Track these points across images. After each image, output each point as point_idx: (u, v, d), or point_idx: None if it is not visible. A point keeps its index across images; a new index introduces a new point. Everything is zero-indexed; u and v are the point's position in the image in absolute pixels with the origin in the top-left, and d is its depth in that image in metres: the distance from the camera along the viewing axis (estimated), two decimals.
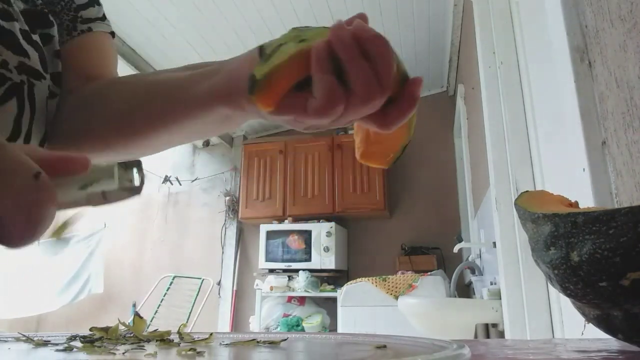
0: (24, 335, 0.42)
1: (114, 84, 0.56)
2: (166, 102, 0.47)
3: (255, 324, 3.67)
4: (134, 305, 4.17)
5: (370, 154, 0.41)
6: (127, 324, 0.42)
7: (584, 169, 0.80)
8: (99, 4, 0.64)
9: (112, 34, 0.65)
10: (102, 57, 0.62)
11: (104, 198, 0.29)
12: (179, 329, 0.44)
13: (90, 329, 0.42)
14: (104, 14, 0.64)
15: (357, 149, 0.42)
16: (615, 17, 0.72)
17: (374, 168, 3.82)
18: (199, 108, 0.44)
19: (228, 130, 0.51)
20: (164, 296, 4.04)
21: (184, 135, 0.51)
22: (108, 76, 0.60)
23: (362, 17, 0.37)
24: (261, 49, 0.37)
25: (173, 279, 4.16)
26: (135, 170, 0.29)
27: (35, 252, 4.49)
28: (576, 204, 0.45)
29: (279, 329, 3.46)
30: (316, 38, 0.34)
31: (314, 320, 3.47)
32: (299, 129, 0.39)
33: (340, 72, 0.34)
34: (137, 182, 0.29)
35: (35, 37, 0.52)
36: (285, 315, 3.56)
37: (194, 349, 0.34)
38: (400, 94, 0.36)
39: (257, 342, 0.40)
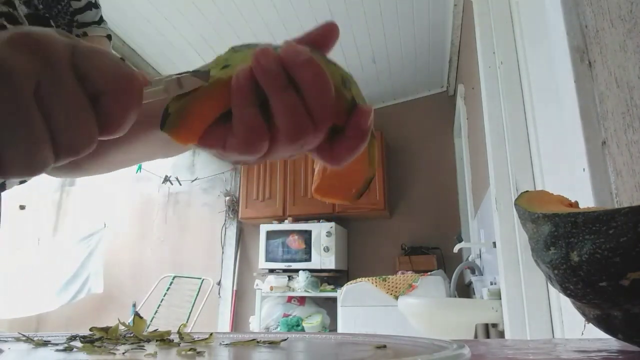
0: (24, 335, 0.42)
1: None
2: None
3: (255, 324, 3.67)
4: (134, 305, 4.17)
5: (327, 188, 0.36)
6: (127, 324, 0.42)
7: (584, 169, 0.80)
8: (97, 7, 0.64)
9: (109, 37, 0.65)
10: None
11: (180, 85, 0.29)
12: (179, 329, 0.44)
13: (90, 329, 0.42)
14: (101, 17, 0.64)
15: (314, 181, 0.37)
16: (615, 17, 0.72)
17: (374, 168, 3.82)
18: (140, 130, 0.41)
19: (178, 153, 0.50)
20: (164, 296, 4.04)
21: (139, 155, 0.51)
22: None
23: (331, 27, 0.32)
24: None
25: (173, 279, 4.16)
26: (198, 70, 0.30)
27: (35, 252, 4.49)
28: (576, 204, 0.45)
29: (279, 329, 3.46)
30: (243, 63, 0.30)
31: (314, 320, 3.47)
32: (230, 163, 0.36)
33: (266, 104, 0.30)
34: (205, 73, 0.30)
35: None
36: (285, 315, 3.56)
37: (194, 349, 0.34)
38: (347, 124, 0.31)
39: (257, 342, 0.40)
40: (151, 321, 3.79)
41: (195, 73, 0.30)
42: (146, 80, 0.29)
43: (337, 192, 0.36)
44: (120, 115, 0.27)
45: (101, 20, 0.64)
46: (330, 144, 0.32)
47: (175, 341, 0.40)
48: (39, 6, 0.56)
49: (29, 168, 0.25)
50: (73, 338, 0.41)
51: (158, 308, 3.96)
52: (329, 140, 0.32)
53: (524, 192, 0.47)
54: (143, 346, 0.37)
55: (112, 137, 0.28)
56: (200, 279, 4.08)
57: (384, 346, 0.36)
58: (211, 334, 0.40)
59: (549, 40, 1.05)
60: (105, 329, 0.41)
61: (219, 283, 4.25)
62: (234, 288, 4.25)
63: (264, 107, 0.30)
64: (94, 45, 0.29)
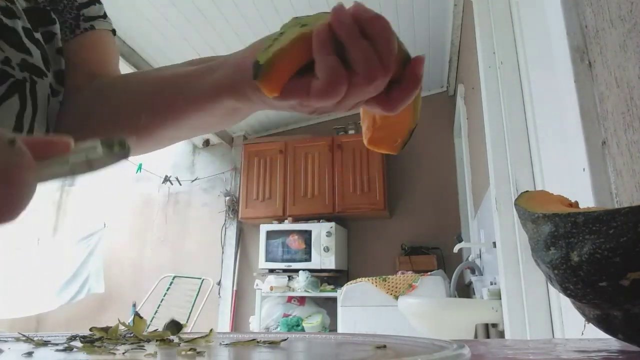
0: (24, 335, 0.42)
1: (118, 81, 0.57)
2: (172, 97, 0.47)
3: (255, 324, 3.67)
4: (134, 305, 4.17)
5: (378, 139, 0.41)
6: (127, 324, 0.42)
7: (584, 169, 0.80)
8: (100, 2, 0.64)
9: (114, 31, 0.66)
10: (105, 54, 0.62)
11: (89, 166, 0.28)
12: None
13: (90, 329, 0.42)
14: (105, 12, 0.64)
15: (364, 135, 0.42)
16: (615, 17, 0.72)
17: (374, 168, 3.83)
18: (205, 101, 0.44)
19: (234, 122, 0.51)
20: (164, 296, 4.04)
21: (191, 129, 0.52)
22: (111, 73, 0.60)
23: (357, 6, 0.37)
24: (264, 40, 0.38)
25: (173, 278, 4.16)
26: (118, 140, 0.28)
27: (35, 252, 4.49)
28: (576, 204, 0.45)
29: (279, 329, 3.46)
30: (317, 22, 0.35)
31: (314, 320, 3.47)
32: (306, 113, 0.39)
33: (343, 53, 0.34)
34: (123, 148, 0.28)
35: (38, 35, 0.53)
36: (285, 315, 3.56)
37: (194, 349, 0.34)
38: (402, 74, 0.36)
39: (257, 342, 0.40)
40: (151, 321, 3.79)
41: (104, 143, 0.28)
42: (32, 164, 0.27)
43: (385, 143, 0.41)
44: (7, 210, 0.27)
45: (105, 16, 0.64)
46: (386, 93, 0.36)
47: (175, 341, 0.40)
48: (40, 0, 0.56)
49: None
50: (73, 338, 0.41)
51: (158, 308, 3.96)
52: (386, 91, 0.36)
53: (524, 192, 0.47)
54: (143, 346, 0.37)
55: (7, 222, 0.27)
56: (200, 279, 4.08)
57: (384, 346, 0.36)
58: (211, 330, 0.40)
59: (549, 40, 1.05)
60: (105, 329, 0.41)
61: (219, 283, 4.25)
62: (234, 288, 4.25)
63: (341, 58, 0.34)
64: None
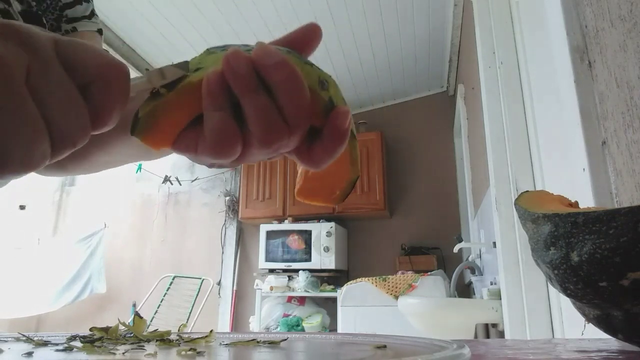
0: (24, 335, 0.42)
1: None
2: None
3: (255, 324, 3.67)
4: (134, 305, 4.17)
5: (309, 190, 0.35)
6: (127, 324, 0.42)
7: (584, 169, 0.80)
8: (87, 1, 0.62)
9: (100, 31, 0.64)
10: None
11: (162, 75, 0.28)
12: (179, 329, 0.44)
13: (91, 329, 0.42)
14: (92, 11, 0.62)
15: (296, 184, 0.36)
16: (615, 17, 0.72)
17: (374, 168, 3.84)
18: (120, 131, 0.39)
19: (159, 156, 0.49)
20: (164, 296, 4.04)
21: (121, 157, 0.51)
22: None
23: (313, 29, 0.32)
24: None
25: (173, 278, 4.16)
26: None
27: (35, 252, 4.49)
28: (576, 204, 0.45)
29: (279, 329, 3.46)
30: (215, 65, 0.29)
31: (314, 320, 3.47)
32: (206, 166, 0.34)
33: (238, 107, 0.29)
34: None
35: None
36: (285, 315, 3.56)
37: (194, 349, 0.34)
38: (325, 127, 0.30)
39: (257, 342, 0.40)
40: (151, 321, 3.79)
41: (176, 64, 0.29)
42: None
43: (320, 194, 0.35)
44: (110, 105, 0.27)
45: (92, 14, 0.62)
46: (308, 147, 0.31)
47: (175, 341, 0.40)
48: (32, 2, 0.56)
49: (27, 162, 0.24)
50: (73, 338, 0.41)
51: (158, 308, 3.96)
52: (308, 143, 0.30)
53: (524, 192, 0.47)
54: (143, 346, 0.37)
55: (102, 130, 0.27)
56: (200, 278, 4.08)
57: (384, 346, 0.36)
58: (211, 330, 0.40)
59: (549, 40, 1.05)
60: (106, 329, 0.41)
61: (219, 283, 4.25)
62: (234, 288, 4.25)
63: (237, 111, 0.29)
64: (75, 39, 0.28)
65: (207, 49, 0.31)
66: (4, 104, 0.23)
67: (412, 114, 4.20)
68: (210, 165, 0.32)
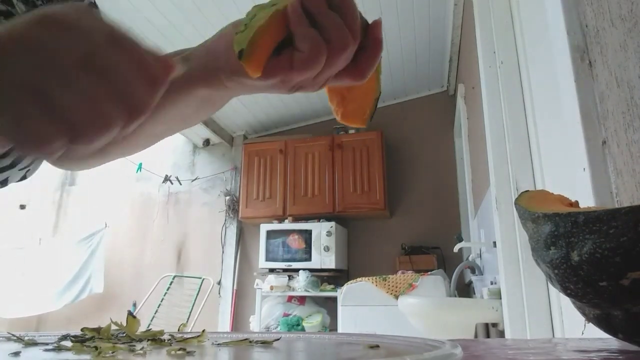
0: (14, 335, 0.42)
1: None
2: None
3: (256, 324, 3.67)
4: (134, 305, 4.18)
5: (350, 112, 0.43)
6: (120, 323, 0.42)
7: (584, 169, 0.80)
8: (95, 6, 0.63)
9: None
10: None
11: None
12: (179, 328, 0.44)
13: (82, 329, 0.42)
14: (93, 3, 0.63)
15: (336, 112, 0.44)
16: (615, 17, 0.72)
17: (374, 168, 3.83)
18: (179, 92, 0.45)
19: (210, 113, 0.52)
20: (164, 296, 4.04)
21: (168, 124, 0.52)
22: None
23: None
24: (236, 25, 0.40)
25: (173, 278, 4.16)
26: None
27: (35, 252, 4.49)
28: (576, 204, 0.45)
29: (279, 328, 3.46)
30: (285, 2, 0.36)
31: (314, 320, 3.47)
32: (284, 92, 0.40)
33: (314, 26, 0.36)
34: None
35: None
36: (286, 315, 3.56)
37: (184, 349, 0.34)
38: (365, 41, 0.38)
39: (250, 342, 0.40)
40: (151, 321, 3.79)
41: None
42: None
43: (356, 115, 0.43)
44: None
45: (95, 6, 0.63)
46: (354, 63, 0.38)
47: (167, 341, 0.40)
48: (37, 2, 0.56)
49: (96, 129, 0.27)
50: (64, 338, 0.41)
51: (158, 308, 3.97)
52: (352, 60, 0.38)
53: (524, 191, 0.47)
54: (134, 346, 0.37)
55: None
56: (200, 278, 4.08)
57: (377, 346, 0.36)
58: (203, 330, 0.40)
59: (549, 40, 1.05)
60: (97, 329, 0.41)
61: (219, 283, 4.25)
62: (234, 287, 4.25)
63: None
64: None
65: (256, 5, 0.38)
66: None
67: (412, 114, 4.20)
68: (291, 88, 0.39)
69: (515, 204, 0.45)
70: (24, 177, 0.55)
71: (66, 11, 0.27)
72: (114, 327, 0.42)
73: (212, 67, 0.43)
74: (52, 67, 0.25)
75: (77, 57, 0.26)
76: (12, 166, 0.51)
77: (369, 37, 0.38)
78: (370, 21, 0.39)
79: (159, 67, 0.29)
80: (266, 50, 0.35)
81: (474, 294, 2.90)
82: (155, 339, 0.40)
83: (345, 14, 0.36)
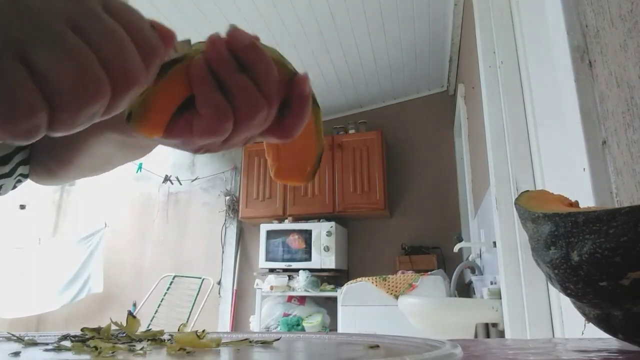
0: (14, 335, 0.42)
1: None
2: (95, 128, 0.45)
3: (256, 324, 3.67)
4: (134, 305, 4.18)
5: (285, 169, 0.39)
6: (120, 323, 0.42)
7: (584, 169, 0.80)
8: None
9: None
10: None
11: (174, 49, 0.30)
12: (179, 328, 0.44)
13: (82, 329, 0.42)
14: None
15: (270, 167, 0.39)
16: (615, 17, 0.72)
17: (374, 168, 3.83)
18: (90, 133, 0.43)
19: (138, 155, 0.50)
20: (164, 296, 4.04)
21: (104, 159, 0.51)
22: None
23: (232, 32, 0.35)
24: None
25: (173, 278, 4.16)
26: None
27: (35, 252, 4.49)
28: (576, 204, 0.45)
29: (279, 328, 3.46)
30: (195, 54, 0.32)
31: (314, 320, 3.47)
32: (191, 152, 0.36)
33: (221, 87, 0.32)
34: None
35: None
36: (286, 315, 3.56)
37: (184, 349, 0.34)
38: (290, 96, 0.33)
39: (250, 341, 0.40)
40: (151, 321, 3.79)
41: (181, 41, 0.32)
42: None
43: (294, 173, 0.39)
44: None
45: None
46: (279, 120, 0.34)
47: (167, 340, 0.40)
48: None
49: (86, 96, 0.24)
50: (64, 338, 0.41)
51: (158, 308, 3.96)
52: (278, 118, 0.34)
53: (524, 191, 0.47)
54: (134, 346, 0.37)
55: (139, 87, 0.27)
56: (200, 278, 4.08)
57: (377, 346, 0.36)
58: (203, 330, 0.40)
59: (549, 40, 1.05)
60: (97, 329, 0.41)
61: (219, 282, 4.25)
62: (234, 287, 4.25)
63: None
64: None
65: (178, 42, 0.34)
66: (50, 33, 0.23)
67: (412, 114, 4.20)
68: (197, 150, 0.34)
69: (515, 204, 0.45)
70: (14, 187, 0.55)
71: None
72: (114, 327, 0.42)
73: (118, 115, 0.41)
74: (37, 24, 0.23)
75: (67, 15, 0.24)
76: (10, 174, 0.51)
77: (294, 94, 0.33)
78: (301, 72, 0.34)
79: (156, 36, 0.27)
80: (161, 113, 0.31)
81: (474, 294, 2.90)
82: (155, 339, 0.40)
83: (258, 74, 0.31)
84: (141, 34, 0.27)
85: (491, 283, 2.26)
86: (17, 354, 0.33)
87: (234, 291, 4.24)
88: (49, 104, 0.23)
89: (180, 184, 4.62)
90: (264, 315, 3.63)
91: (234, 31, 0.31)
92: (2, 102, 0.22)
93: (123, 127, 0.38)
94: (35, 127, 0.23)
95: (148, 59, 0.27)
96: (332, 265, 3.64)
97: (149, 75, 0.27)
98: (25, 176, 0.55)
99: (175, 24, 3.02)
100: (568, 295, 0.38)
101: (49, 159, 0.52)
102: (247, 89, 0.31)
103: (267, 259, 3.84)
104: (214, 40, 0.31)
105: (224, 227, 4.43)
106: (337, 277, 3.79)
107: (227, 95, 0.31)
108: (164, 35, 0.28)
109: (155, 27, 0.28)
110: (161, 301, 4.00)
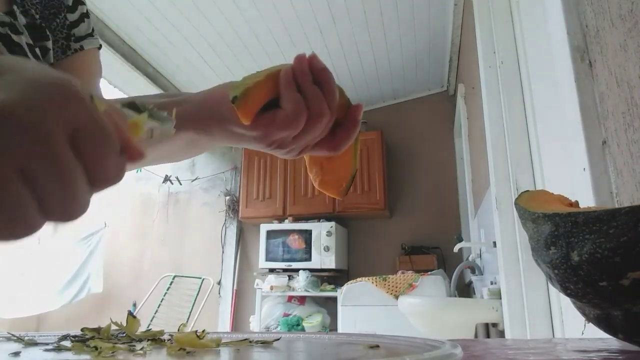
0: (14, 335, 0.42)
1: None
2: None
3: (256, 324, 3.67)
4: (135, 305, 4.18)
5: (327, 182, 0.47)
6: (120, 323, 0.42)
7: (584, 169, 0.80)
8: (88, 17, 0.65)
9: (100, 47, 0.67)
10: (90, 75, 0.65)
11: (151, 136, 0.32)
12: (179, 328, 0.44)
13: (82, 329, 0.42)
14: (92, 27, 0.66)
15: (314, 179, 0.49)
16: (615, 17, 0.72)
17: (374, 168, 3.83)
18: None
19: (193, 155, 0.58)
20: (164, 296, 4.04)
21: (154, 157, 0.56)
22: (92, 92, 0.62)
23: (313, 57, 0.44)
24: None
25: (173, 278, 4.16)
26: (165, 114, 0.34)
27: (35, 252, 4.49)
28: (576, 204, 0.45)
29: (279, 328, 3.46)
30: (279, 67, 0.42)
31: (314, 320, 3.47)
32: (263, 147, 0.45)
33: (299, 92, 0.42)
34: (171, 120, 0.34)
35: (37, 51, 0.55)
36: (286, 315, 3.56)
37: (184, 349, 0.34)
38: (344, 118, 0.44)
39: (250, 341, 0.40)
40: (151, 321, 3.79)
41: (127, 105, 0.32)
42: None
43: (333, 186, 0.47)
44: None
45: (93, 31, 0.66)
46: (331, 136, 0.44)
47: (167, 341, 0.40)
48: (36, 16, 0.58)
49: (70, 212, 0.25)
50: (64, 338, 0.41)
51: (158, 308, 3.96)
52: (331, 134, 0.44)
53: (524, 191, 0.47)
54: (134, 346, 0.37)
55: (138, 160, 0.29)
56: (200, 278, 4.08)
57: (377, 346, 0.36)
58: (203, 330, 0.40)
59: (549, 40, 1.05)
60: (97, 329, 0.41)
61: (219, 283, 4.25)
62: (234, 287, 4.25)
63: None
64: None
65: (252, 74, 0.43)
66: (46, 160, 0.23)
67: (412, 114, 4.20)
68: (270, 144, 0.44)
69: (515, 204, 0.45)
70: None
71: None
72: (114, 327, 0.42)
73: (204, 114, 0.47)
74: (36, 139, 0.22)
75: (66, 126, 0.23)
76: None
77: (349, 116, 0.44)
78: (356, 102, 0.45)
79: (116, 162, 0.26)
80: (257, 102, 0.40)
81: (474, 294, 2.90)
82: (155, 339, 0.40)
83: (326, 91, 0.42)
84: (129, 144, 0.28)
85: (491, 283, 2.26)
86: (17, 354, 0.33)
87: (234, 291, 4.24)
88: (43, 212, 0.25)
89: (180, 184, 4.62)
90: (264, 315, 3.63)
91: (313, 57, 0.42)
92: (2, 213, 0.22)
93: (204, 126, 0.47)
94: (31, 234, 0.25)
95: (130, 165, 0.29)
96: (332, 265, 3.64)
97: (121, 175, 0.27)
98: None
99: (174, 23, 3.02)
100: (568, 295, 0.38)
101: None
102: (319, 97, 0.41)
103: (267, 259, 3.84)
104: (301, 57, 0.42)
105: (224, 227, 4.43)
106: (337, 277, 3.79)
107: (304, 99, 0.41)
108: (132, 154, 0.28)
109: (126, 148, 0.27)
110: (161, 301, 4.00)
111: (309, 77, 0.41)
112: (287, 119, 0.41)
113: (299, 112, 0.40)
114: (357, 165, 0.47)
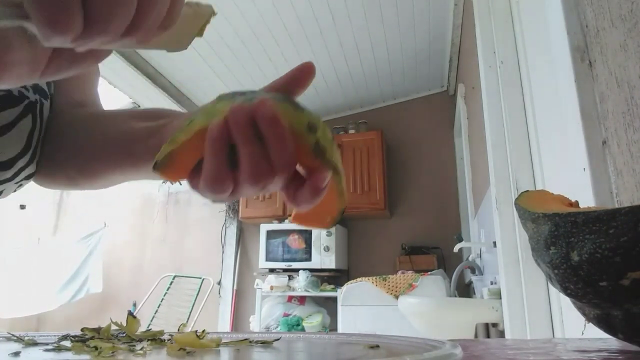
0: (14, 335, 0.42)
1: (89, 122, 0.59)
2: (123, 153, 0.52)
3: (256, 324, 3.67)
4: (134, 305, 4.18)
5: (304, 216, 0.39)
6: (120, 323, 0.42)
7: (584, 169, 0.80)
8: None
9: None
10: (88, 82, 0.65)
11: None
12: (179, 328, 0.44)
13: (82, 329, 0.41)
14: None
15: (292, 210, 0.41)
16: (615, 17, 0.72)
17: (374, 168, 3.83)
18: (142, 162, 0.49)
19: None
20: (164, 296, 4.04)
21: (139, 177, 0.56)
22: (90, 99, 0.63)
23: (308, 69, 0.36)
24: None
25: (173, 278, 4.16)
26: None
27: (35, 252, 4.49)
28: (576, 204, 0.45)
29: (279, 328, 3.46)
30: (222, 114, 0.34)
31: (314, 320, 3.47)
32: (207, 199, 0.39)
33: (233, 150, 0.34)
34: None
35: None
36: (286, 315, 3.56)
37: (184, 349, 0.34)
38: (310, 175, 0.34)
39: (250, 341, 0.40)
40: (151, 321, 3.79)
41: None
42: None
43: (313, 220, 0.40)
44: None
45: None
46: (295, 190, 0.35)
47: (167, 340, 0.40)
48: None
49: (118, 10, 0.25)
50: (64, 338, 0.41)
51: (158, 308, 3.97)
52: (297, 184, 0.35)
53: (524, 191, 0.47)
54: (134, 346, 0.37)
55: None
56: (200, 278, 4.08)
57: (377, 346, 0.36)
58: (203, 330, 0.40)
59: (549, 40, 1.05)
60: (97, 329, 0.41)
61: (219, 283, 4.25)
62: (234, 287, 4.25)
63: (235, 151, 0.34)
64: None
65: (219, 96, 0.36)
66: None
67: (413, 114, 4.20)
68: (212, 199, 0.37)
69: (515, 204, 0.45)
70: (14, 191, 0.57)
71: None
72: (114, 327, 0.42)
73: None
74: None
75: None
76: (12, 179, 0.53)
77: (309, 181, 0.34)
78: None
79: None
80: (184, 163, 0.35)
81: (474, 294, 2.90)
82: (155, 339, 0.40)
83: (272, 148, 0.32)
84: None
85: (491, 283, 2.26)
86: (17, 354, 0.33)
87: (234, 291, 4.24)
88: (85, 13, 0.25)
89: (180, 184, 4.62)
90: (264, 315, 3.63)
91: (261, 103, 0.32)
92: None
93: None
94: (75, 31, 0.24)
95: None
96: (332, 265, 3.64)
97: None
98: (28, 179, 0.56)
99: None
100: (568, 295, 0.38)
101: (70, 168, 0.56)
102: (256, 157, 0.33)
103: (267, 259, 3.84)
104: (237, 108, 0.33)
105: (224, 227, 4.43)
106: (337, 277, 3.79)
107: (236, 157, 0.34)
108: None
109: None
110: (161, 301, 4.00)
111: (244, 131, 0.32)
112: (205, 186, 0.35)
113: (214, 182, 0.34)
114: (345, 202, 0.38)
